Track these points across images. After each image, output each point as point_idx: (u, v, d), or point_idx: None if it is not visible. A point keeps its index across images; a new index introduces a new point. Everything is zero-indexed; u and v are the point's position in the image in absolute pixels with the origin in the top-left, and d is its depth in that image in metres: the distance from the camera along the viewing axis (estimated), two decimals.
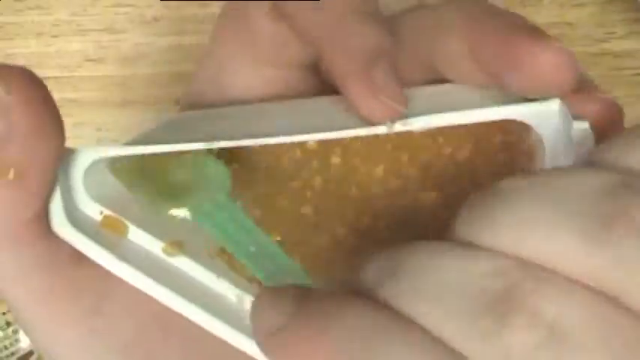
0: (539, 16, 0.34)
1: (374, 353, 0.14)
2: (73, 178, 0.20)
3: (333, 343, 0.14)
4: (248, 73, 0.22)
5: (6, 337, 0.35)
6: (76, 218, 0.20)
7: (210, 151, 0.21)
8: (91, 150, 0.20)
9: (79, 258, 0.20)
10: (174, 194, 0.21)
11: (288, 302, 0.15)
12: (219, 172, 0.21)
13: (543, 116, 0.19)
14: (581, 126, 0.19)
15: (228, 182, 0.21)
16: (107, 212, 0.20)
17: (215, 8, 0.34)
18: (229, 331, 0.21)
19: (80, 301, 0.20)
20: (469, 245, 0.15)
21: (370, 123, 0.19)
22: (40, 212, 0.19)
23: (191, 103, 0.23)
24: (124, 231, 0.21)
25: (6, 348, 0.35)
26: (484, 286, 0.14)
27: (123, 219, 0.21)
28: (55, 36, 0.34)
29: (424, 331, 0.14)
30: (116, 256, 0.20)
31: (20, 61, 0.34)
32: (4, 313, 0.35)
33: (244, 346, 0.21)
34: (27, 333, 0.21)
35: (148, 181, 0.21)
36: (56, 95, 0.31)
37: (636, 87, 0.35)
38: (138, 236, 0.21)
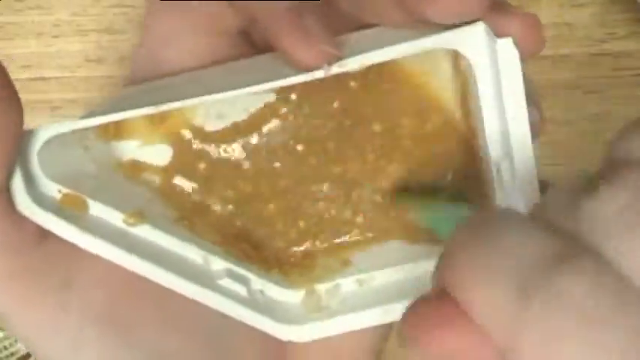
0: (539, 16, 0.34)
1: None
2: (29, 158, 0.20)
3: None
4: (182, 43, 0.23)
5: (6, 338, 0.35)
6: (37, 196, 0.20)
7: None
8: (43, 129, 0.20)
9: (43, 235, 0.20)
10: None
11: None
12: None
13: (469, 39, 0.20)
14: (505, 43, 0.20)
15: None
16: (65, 190, 0.21)
17: None
18: (199, 291, 0.21)
19: (48, 278, 0.20)
20: None
21: (307, 70, 0.20)
22: (1, 189, 0.19)
23: (134, 80, 0.23)
24: (84, 207, 0.21)
25: (5, 348, 0.35)
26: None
27: (82, 195, 0.21)
28: (55, 36, 0.34)
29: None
30: (80, 229, 0.20)
31: (20, 62, 0.34)
32: None
33: (215, 304, 0.22)
34: (3, 322, 0.21)
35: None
36: (57, 95, 0.31)
37: (636, 87, 0.35)
38: (98, 210, 0.21)
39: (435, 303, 0.15)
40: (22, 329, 0.21)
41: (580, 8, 0.34)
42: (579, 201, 0.14)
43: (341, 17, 0.22)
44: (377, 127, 0.23)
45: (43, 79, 0.34)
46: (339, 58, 0.20)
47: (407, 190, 0.23)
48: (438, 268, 0.15)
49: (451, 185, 0.23)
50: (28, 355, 0.35)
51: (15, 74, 0.34)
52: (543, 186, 0.20)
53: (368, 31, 0.21)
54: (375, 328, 0.23)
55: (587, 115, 0.35)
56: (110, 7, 0.34)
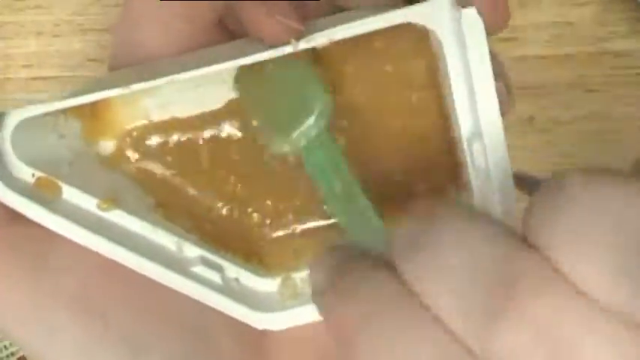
0: (540, 16, 0.34)
1: (385, 324, 0.15)
2: (2, 141, 0.20)
3: (357, 308, 0.15)
4: (158, 30, 0.23)
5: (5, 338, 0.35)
6: (9, 180, 0.20)
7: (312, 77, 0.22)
8: (15, 112, 0.20)
9: (16, 216, 0.20)
10: (283, 124, 0.22)
11: (330, 269, 0.17)
12: (322, 98, 0.22)
13: (435, 12, 0.20)
14: (469, 13, 0.20)
15: (329, 109, 0.22)
16: (39, 174, 0.21)
17: None
18: (173, 277, 0.21)
19: (22, 261, 0.21)
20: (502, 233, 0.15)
21: (274, 44, 0.20)
22: None
23: (113, 67, 0.23)
24: (57, 191, 0.21)
25: (6, 348, 0.35)
26: (491, 269, 0.14)
27: (55, 179, 0.21)
28: (55, 35, 0.34)
29: (427, 308, 0.15)
30: (52, 212, 0.20)
31: (20, 61, 0.34)
32: None
33: (189, 291, 0.22)
34: None
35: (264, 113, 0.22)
36: (57, 95, 0.31)
37: (637, 87, 0.35)
38: (72, 195, 0.21)
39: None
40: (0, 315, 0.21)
41: (581, 7, 0.34)
42: (484, 326, 0.14)
43: (317, 5, 0.22)
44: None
45: (43, 78, 0.33)
46: (304, 33, 0.20)
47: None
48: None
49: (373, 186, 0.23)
50: None
51: (15, 73, 0.34)
52: (534, 182, 0.20)
53: (341, 14, 0.22)
54: None
55: (588, 114, 0.34)
56: (110, 7, 0.34)
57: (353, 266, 0.17)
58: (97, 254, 0.21)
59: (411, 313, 0.15)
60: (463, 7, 0.20)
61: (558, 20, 0.34)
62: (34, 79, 0.34)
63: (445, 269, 0.15)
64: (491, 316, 0.14)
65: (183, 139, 0.23)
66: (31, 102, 0.33)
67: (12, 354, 0.35)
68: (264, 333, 0.23)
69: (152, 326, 0.21)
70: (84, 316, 0.21)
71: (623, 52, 0.34)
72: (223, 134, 0.23)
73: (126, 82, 0.20)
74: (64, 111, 0.22)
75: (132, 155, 0.23)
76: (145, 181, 0.23)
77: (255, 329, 0.22)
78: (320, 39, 0.20)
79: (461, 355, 0.14)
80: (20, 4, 0.34)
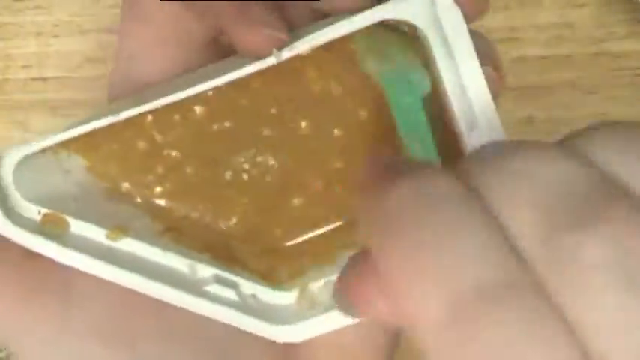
0: (539, 17, 0.34)
1: (441, 217, 0.14)
2: (4, 181, 0.20)
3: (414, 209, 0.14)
4: (152, 57, 0.23)
5: None
6: (17, 218, 0.20)
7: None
8: (13, 152, 0.20)
9: (31, 254, 0.20)
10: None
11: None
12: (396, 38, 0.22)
13: (412, 6, 0.20)
14: (445, 3, 0.20)
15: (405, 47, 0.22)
16: (45, 211, 0.21)
17: None
18: (188, 299, 0.21)
19: (44, 297, 0.21)
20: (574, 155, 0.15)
21: (258, 56, 0.20)
22: None
23: (111, 99, 0.24)
24: (65, 226, 0.21)
25: (4, 350, 0.35)
26: (578, 193, 0.14)
27: (62, 214, 0.21)
28: (55, 36, 0.34)
29: (492, 214, 0.14)
30: (62, 246, 0.20)
31: (20, 61, 0.34)
32: None
33: (206, 311, 0.22)
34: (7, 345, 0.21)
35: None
36: (56, 95, 0.31)
37: (636, 88, 0.35)
38: (80, 228, 0.21)
39: (360, 269, 0.15)
40: (26, 349, 0.21)
41: (580, 8, 0.34)
42: (557, 236, 0.13)
43: (303, 10, 0.22)
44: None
45: (43, 79, 0.33)
46: (286, 42, 0.20)
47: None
48: (364, 225, 0.15)
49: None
50: None
51: (15, 74, 0.34)
52: None
53: (323, 20, 0.22)
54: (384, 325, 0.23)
55: (587, 115, 0.35)
56: (110, 8, 0.34)
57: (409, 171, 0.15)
58: (116, 283, 0.21)
59: (472, 216, 0.14)
60: None
61: (558, 21, 0.34)
62: (34, 79, 0.33)
63: (528, 180, 0.14)
64: (577, 227, 0.13)
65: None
66: (31, 103, 0.33)
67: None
68: (290, 347, 0.22)
69: (182, 348, 0.22)
70: (112, 344, 0.21)
71: (623, 53, 0.34)
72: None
73: (117, 111, 0.21)
74: (67, 147, 0.22)
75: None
76: (152, 209, 0.23)
77: (285, 345, 0.22)
78: (302, 46, 0.21)
79: (510, 260, 0.13)
80: (20, 4, 0.34)
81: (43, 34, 0.34)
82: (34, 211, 0.21)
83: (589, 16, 0.34)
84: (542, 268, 0.13)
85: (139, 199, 0.23)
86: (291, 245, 0.24)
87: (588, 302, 0.13)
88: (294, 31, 0.22)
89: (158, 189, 0.23)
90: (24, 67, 0.34)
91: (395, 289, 0.14)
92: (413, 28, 0.21)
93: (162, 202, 0.23)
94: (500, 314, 0.13)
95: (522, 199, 0.14)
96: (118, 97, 0.24)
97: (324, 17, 0.22)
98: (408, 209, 0.14)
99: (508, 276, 0.13)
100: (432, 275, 0.13)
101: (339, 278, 0.16)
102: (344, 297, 0.16)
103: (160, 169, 0.23)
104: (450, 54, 0.20)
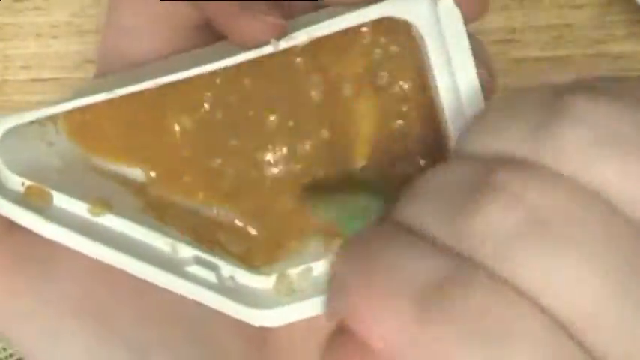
0: (538, 18, 0.34)
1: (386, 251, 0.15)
2: None
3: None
4: (142, 35, 0.23)
5: (4, 339, 0.35)
6: (1, 189, 0.20)
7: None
8: (1, 121, 0.20)
9: (13, 226, 0.20)
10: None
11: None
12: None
13: (412, 4, 0.20)
14: (446, 3, 0.20)
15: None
16: (29, 183, 0.21)
17: None
18: (168, 278, 0.21)
19: (24, 269, 0.21)
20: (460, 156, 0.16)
21: (254, 45, 0.20)
22: None
23: (98, 76, 0.24)
24: (48, 199, 0.21)
25: (4, 349, 0.35)
26: (466, 180, 0.15)
27: (45, 187, 0.21)
28: (54, 37, 0.34)
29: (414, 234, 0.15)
30: (45, 219, 0.20)
31: (19, 62, 0.34)
32: None
33: (185, 291, 0.22)
34: None
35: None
36: (55, 96, 0.31)
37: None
38: (63, 201, 0.21)
39: (340, 339, 0.16)
40: (1, 322, 0.21)
41: (579, 9, 0.34)
42: (460, 218, 0.14)
43: (299, 4, 0.22)
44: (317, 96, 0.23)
45: (42, 80, 0.33)
46: (284, 33, 0.20)
47: (313, 189, 0.24)
48: (329, 301, 0.16)
49: (369, 174, 0.23)
50: None
51: (14, 75, 0.34)
52: None
53: (321, 11, 0.22)
54: None
55: None
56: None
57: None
58: (98, 260, 0.21)
59: (408, 241, 0.15)
60: None
61: (557, 22, 0.34)
62: (33, 80, 0.34)
63: (426, 198, 0.16)
64: (470, 203, 0.14)
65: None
66: (30, 103, 0.33)
67: (11, 355, 0.35)
68: (267, 329, 0.23)
69: (157, 329, 0.22)
70: (89, 321, 0.21)
71: (621, 54, 0.34)
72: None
73: (110, 87, 0.20)
74: (54, 120, 0.22)
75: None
76: (134, 186, 0.23)
77: (261, 329, 0.23)
78: (300, 37, 0.21)
79: (443, 259, 0.14)
80: (19, 5, 0.34)
81: (42, 35, 0.34)
82: (17, 183, 0.21)
83: (588, 17, 0.34)
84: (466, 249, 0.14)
85: (121, 175, 0.23)
86: (271, 229, 0.24)
87: (518, 264, 0.14)
88: (292, 20, 0.22)
89: (142, 166, 0.23)
90: (23, 68, 0.34)
91: (368, 328, 0.15)
92: (408, 28, 0.21)
93: (144, 180, 0.23)
94: (462, 294, 0.14)
95: (425, 207, 0.15)
96: (104, 71, 0.23)
97: (321, 8, 0.22)
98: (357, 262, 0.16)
99: (453, 266, 0.14)
100: (388, 293, 0.14)
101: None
102: None
103: (145, 147, 0.23)
104: (446, 56, 0.20)
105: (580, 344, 0.13)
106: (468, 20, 0.21)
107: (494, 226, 0.14)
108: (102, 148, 0.23)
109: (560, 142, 0.15)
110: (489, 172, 0.15)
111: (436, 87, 0.21)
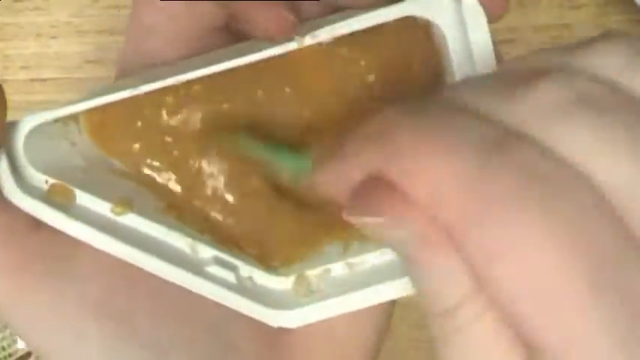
0: (538, 18, 0.34)
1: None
2: (15, 148, 0.20)
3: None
4: (165, 34, 0.23)
5: (3, 339, 0.35)
6: (25, 186, 0.20)
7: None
8: (27, 119, 0.21)
9: (37, 224, 0.21)
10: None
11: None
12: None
13: (436, 4, 0.20)
14: (470, 3, 0.20)
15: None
16: (52, 180, 0.21)
17: None
18: (188, 278, 0.22)
19: (46, 267, 0.21)
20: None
21: (274, 39, 0.21)
22: None
23: (122, 76, 0.24)
24: (71, 197, 0.21)
25: (4, 349, 0.35)
26: (518, 71, 0.16)
27: (69, 185, 0.21)
28: (53, 37, 0.34)
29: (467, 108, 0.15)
30: (68, 217, 0.21)
31: (19, 62, 0.34)
32: None
33: (204, 291, 0.22)
34: (3, 316, 0.21)
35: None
36: (55, 97, 0.31)
37: None
38: (86, 200, 0.21)
39: (370, 186, 0.15)
40: (22, 321, 0.21)
41: (578, 9, 0.34)
42: (513, 95, 0.15)
43: (316, 7, 0.22)
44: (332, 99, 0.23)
45: (42, 80, 0.34)
46: (308, 29, 0.20)
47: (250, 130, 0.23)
48: (358, 154, 0.16)
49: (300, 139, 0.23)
50: (27, 355, 0.35)
51: (14, 75, 0.34)
52: None
53: (342, 12, 0.22)
54: (376, 314, 0.23)
55: None
56: (108, 9, 0.34)
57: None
58: (119, 260, 0.21)
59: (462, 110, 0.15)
60: None
61: (556, 22, 0.34)
62: (33, 80, 0.34)
63: (477, 81, 0.16)
64: (524, 82, 0.15)
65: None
66: (29, 104, 0.33)
67: (10, 355, 0.35)
68: (282, 330, 0.23)
69: (175, 328, 0.22)
70: (110, 321, 0.21)
71: None
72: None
73: (133, 85, 0.21)
74: (76, 119, 0.22)
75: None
76: (155, 185, 0.23)
77: (278, 330, 0.22)
78: (323, 35, 0.21)
79: (496, 126, 0.15)
80: (19, 5, 0.34)
81: (42, 35, 0.34)
82: (41, 180, 0.21)
83: (587, 17, 0.34)
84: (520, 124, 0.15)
85: (141, 175, 0.23)
86: (291, 229, 0.24)
87: (566, 133, 0.14)
88: (316, 20, 0.22)
89: (161, 166, 0.23)
90: (23, 68, 0.34)
91: (421, 178, 0.14)
92: (428, 26, 0.21)
93: (164, 180, 0.23)
94: (518, 149, 0.14)
95: (478, 87, 0.16)
96: (126, 69, 0.24)
97: (335, 11, 0.22)
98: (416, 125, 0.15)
99: (504, 132, 0.14)
100: (446, 143, 0.14)
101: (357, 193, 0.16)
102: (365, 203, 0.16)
103: (165, 148, 0.23)
104: (469, 57, 0.20)
105: (618, 219, 0.14)
106: (489, 20, 0.20)
107: (545, 100, 0.14)
108: (118, 150, 0.23)
109: (600, 55, 0.15)
110: (536, 67, 0.15)
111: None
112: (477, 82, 0.16)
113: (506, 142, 0.14)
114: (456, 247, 0.14)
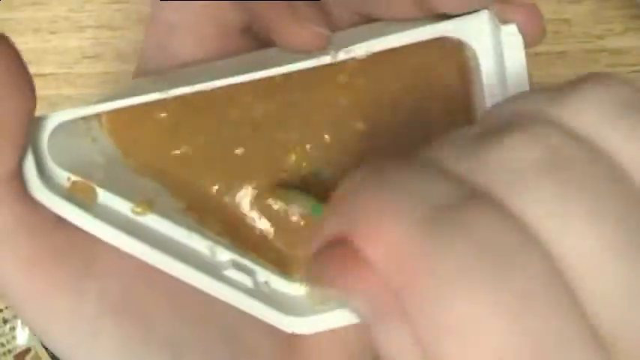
0: None
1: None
2: (40, 144, 0.20)
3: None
4: (190, 33, 0.23)
5: (3, 335, 0.35)
6: (48, 182, 0.20)
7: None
8: (54, 115, 0.20)
9: (59, 222, 0.20)
10: None
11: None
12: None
13: (474, 27, 0.20)
14: (510, 29, 0.20)
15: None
16: (75, 178, 0.21)
17: None
18: (205, 280, 0.21)
19: (67, 265, 0.21)
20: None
21: (313, 55, 0.20)
22: (14, 173, 0.19)
23: (143, 71, 0.24)
24: (93, 195, 0.21)
25: (2, 345, 0.35)
26: (489, 127, 0.15)
27: (91, 183, 0.21)
28: (52, 32, 0.34)
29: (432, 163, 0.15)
30: (91, 214, 0.20)
31: None
32: (0, 310, 0.35)
33: (220, 294, 0.22)
34: (17, 310, 0.21)
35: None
36: (54, 92, 0.31)
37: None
38: (107, 199, 0.21)
39: (330, 251, 0.15)
40: (39, 318, 0.21)
41: (577, 4, 0.34)
42: (479, 149, 0.14)
43: (350, 11, 0.22)
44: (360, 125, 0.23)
45: (41, 75, 0.34)
46: (342, 43, 0.20)
47: (285, 186, 0.23)
48: (330, 216, 0.15)
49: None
50: (26, 351, 0.35)
51: None
52: None
53: (373, 24, 0.22)
54: None
55: None
56: (107, 4, 0.34)
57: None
58: (138, 260, 0.21)
59: (424, 167, 0.15)
60: (503, 22, 0.20)
61: (555, 17, 0.34)
62: (32, 75, 0.34)
63: (445, 142, 0.16)
64: (493, 138, 0.15)
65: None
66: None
67: (9, 351, 0.35)
68: (298, 336, 0.23)
69: (192, 329, 0.22)
70: (127, 321, 0.21)
71: (619, 49, 0.34)
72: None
73: (161, 88, 0.20)
74: (98, 116, 0.22)
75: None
76: (175, 185, 0.23)
77: (292, 336, 0.22)
78: (358, 50, 0.20)
79: (458, 186, 0.14)
80: (18, 0, 0.34)
81: (41, 30, 0.34)
82: (64, 178, 0.21)
83: (586, 12, 0.34)
84: (480, 179, 0.14)
85: (160, 175, 0.23)
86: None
87: (530, 200, 0.14)
88: (348, 31, 0.21)
89: (180, 166, 0.23)
90: None
91: (374, 240, 0.14)
92: (462, 48, 0.21)
93: (182, 179, 0.23)
94: (475, 215, 0.13)
95: (445, 147, 0.15)
96: (147, 66, 0.23)
97: (368, 21, 0.22)
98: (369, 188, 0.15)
99: (464, 191, 0.14)
100: (400, 205, 0.14)
101: (316, 259, 0.16)
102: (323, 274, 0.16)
103: (183, 148, 0.23)
104: (502, 82, 0.20)
105: (574, 294, 0.13)
106: (525, 46, 0.20)
107: (513, 158, 0.14)
108: (139, 150, 0.23)
109: (579, 105, 0.15)
110: (514, 116, 0.15)
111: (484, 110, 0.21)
112: (457, 136, 0.16)
113: (464, 205, 0.13)
114: (404, 317, 0.13)
